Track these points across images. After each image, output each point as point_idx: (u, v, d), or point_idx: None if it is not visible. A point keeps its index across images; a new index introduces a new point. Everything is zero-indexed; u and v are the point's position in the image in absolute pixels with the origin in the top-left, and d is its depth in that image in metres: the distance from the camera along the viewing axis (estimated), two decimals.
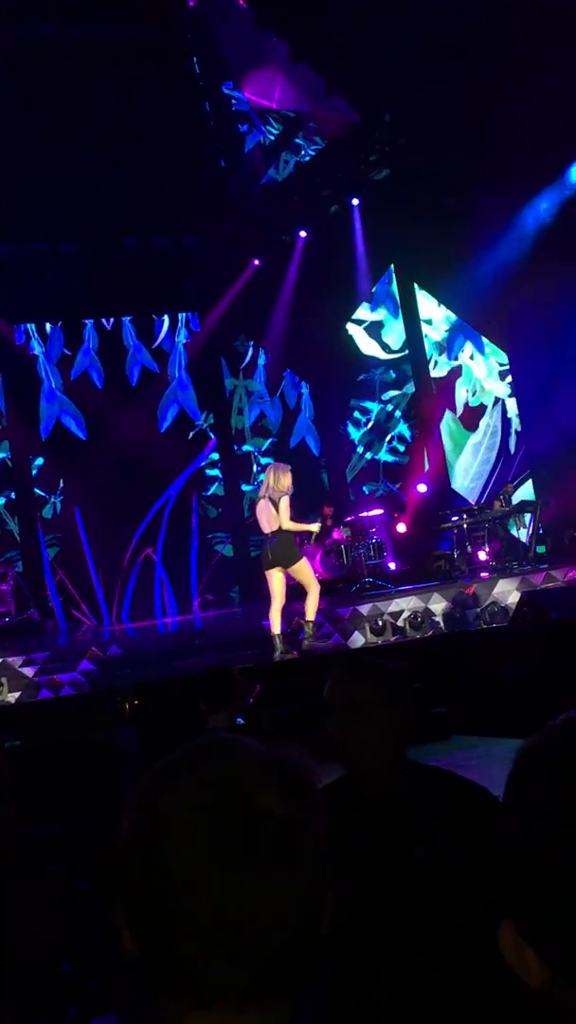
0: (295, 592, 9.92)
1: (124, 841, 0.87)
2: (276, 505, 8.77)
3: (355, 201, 13.99)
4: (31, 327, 15.10)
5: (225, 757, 0.87)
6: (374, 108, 12.96)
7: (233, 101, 14.83)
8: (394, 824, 2.05)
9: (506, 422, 14.71)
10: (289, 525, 8.79)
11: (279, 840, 0.82)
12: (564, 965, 0.71)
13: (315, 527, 9.55)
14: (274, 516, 8.79)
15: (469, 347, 15.06)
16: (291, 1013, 0.85)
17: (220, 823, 0.82)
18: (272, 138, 15.08)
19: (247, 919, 0.80)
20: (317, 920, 0.85)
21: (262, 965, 0.81)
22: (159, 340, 15.65)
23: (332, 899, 0.87)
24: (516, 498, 13.31)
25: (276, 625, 9.04)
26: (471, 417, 15.04)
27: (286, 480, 8.89)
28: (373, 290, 15.38)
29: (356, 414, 15.83)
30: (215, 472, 15.77)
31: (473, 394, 15.10)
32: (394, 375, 15.71)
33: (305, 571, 9.03)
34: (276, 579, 8.97)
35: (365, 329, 15.69)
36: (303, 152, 15.00)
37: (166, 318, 15.64)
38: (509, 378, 14.55)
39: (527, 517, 12.56)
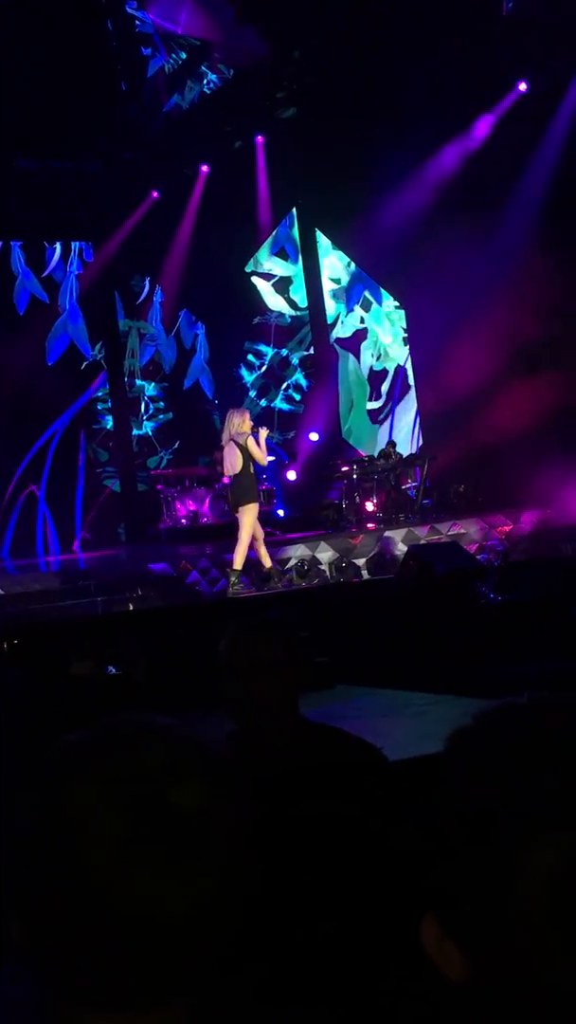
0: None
1: (26, 827, 0.81)
2: (242, 448, 9.15)
3: (259, 138, 13.66)
4: None
5: (139, 743, 0.83)
6: (284, 43, 12.62)
7: (137, 22, 14.17)
8: (284, 781, 2.06)
9: (406, 388, 14.85)
10: (261, 458, 9.30)
11: (196, 832, 0.79)
12: (484, 958, 0.71)
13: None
14: (238, 458, 9.18)
15: (369, 299, 15.08)
16: (193, 1006, 0.82)
17: (133, 814, 0.78)
18: (176, 64, 14.53)
19: (161, 917, 0.77)
20: (234, 915, 0.81)
21: (175, 965, 0.77)
22: (50, 268, 15.05)
23: (253, 889, 0.85)
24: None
25: (238, 561, 9.43)
26: (374, 381, 15.13)
27: (247, 423, 9.33)
28: (273, 235, 15.15)
29: (250, 357, 15.67)
30: (106, 408, 15.37)
31: (377, 358, 15.15)
32: (290, 320, 15.59)
33: (248, 517, 9.34)
34: (242, 518, 9.32)
35: (273, 284, 15.47)
36: (208, 82, 14.52)
37: (58, 246, 15.02)
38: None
39: (415, 470, 12.75)
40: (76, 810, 0.79)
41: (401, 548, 10.62)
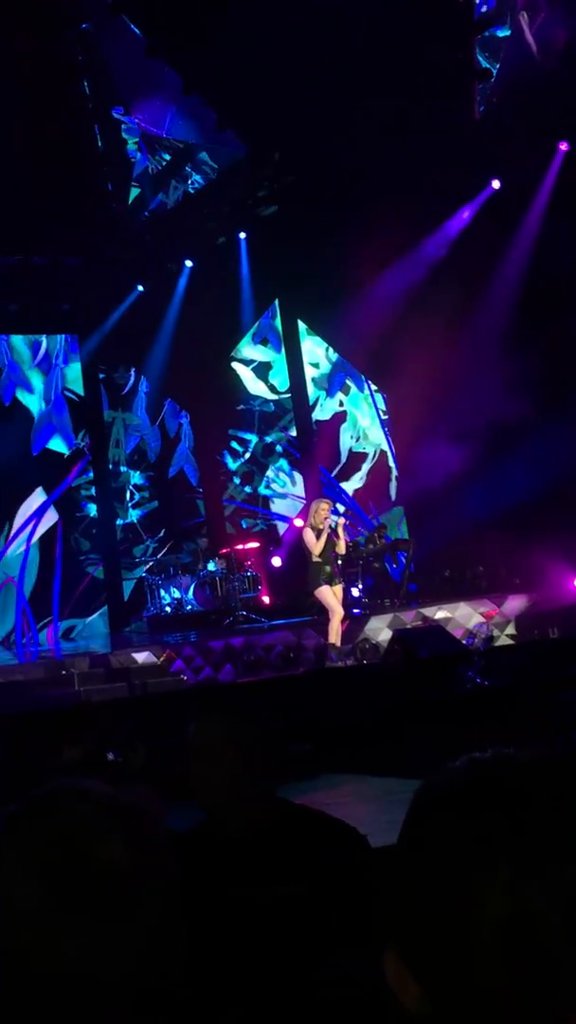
0: None
1: None
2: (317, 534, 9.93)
3: (242, 235, 14.06)
4: None
5: (65, 806, 0.83)
6: (264, 145, 13.08)
7: (123, 126, 14.72)
8: (257, 862, 2.03)
9: (386, 469, 15.00)
10: (315, 553, 9.93)
11: (123, 891, 0.79)
12: (441, 992, 0.74)
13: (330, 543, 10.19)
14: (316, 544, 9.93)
15: (349, 384, 15.32)
16: None
17: (60, 876, 0.78)
18: (161, 166, 15.04)
19: (92, 975, 0.77)
20: (167, 971, 0.81)
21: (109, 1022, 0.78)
22: (36, 361, 15.27)
23: (182, 948, 0.83)
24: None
25: (331, 636, 10.03)
26: (353, 462, 15.29)
27: (314, 515, 10.03)
28: (256, 325, 15.46)
29: (234, 444, 15.81)
30: (89, 496, 15.38)
31: (356, 440, 15.33)
32: (273, 407, 15.79)
33: (323, 598, 10.01)
34: (322, 600, 10.06)
35: (253, 369, 15.74)
36: (192, 182, 15.00)
37: (44, 339, 15.27)
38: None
39: (400, 555, 12.74)
40: (6, 873, 0.79)
41: (387, 634, 10.54)
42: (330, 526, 9.90)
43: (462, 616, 11.15)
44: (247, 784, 2.08)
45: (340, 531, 10.14)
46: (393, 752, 6.86)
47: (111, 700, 8.71)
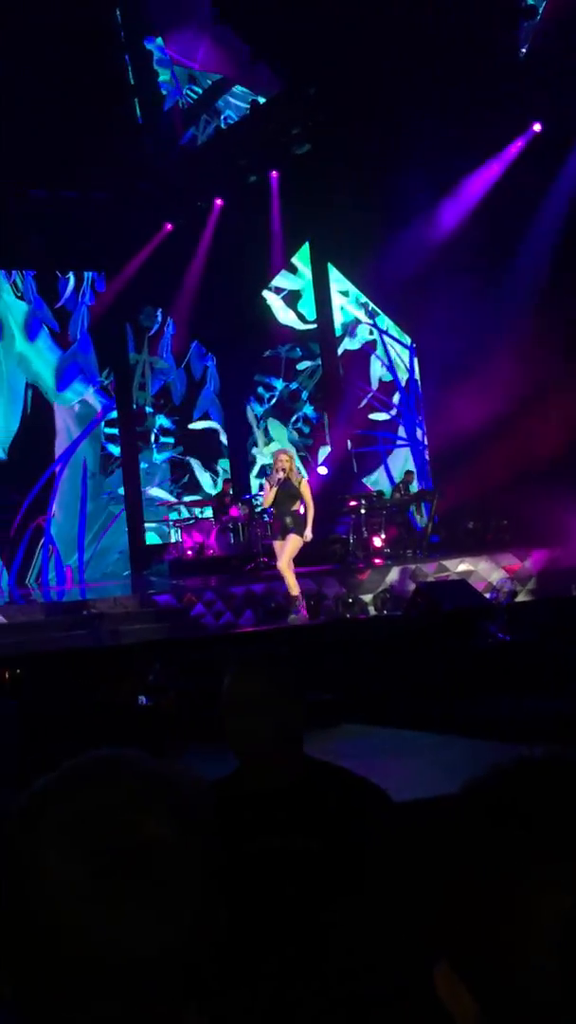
0: None
1: None
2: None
3: (274, 173, 13.76)
4: None
5: (106, 778, 0.81)
6: (299, 80, 12.74)
7: (155, 57, 14.36)
8: (285, 818, 2.04)
9: (416, 404, 14.82)
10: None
11: (165, 868, 0.77)
12: (497, 1005, 0.72)
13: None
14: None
15: (373, 332, 15.14)
16: None
17: (101, 852, 0.76)
18: (192, 99, 14.69)
19: (133, 954, 0.75)
20: (206, 949, 0.79)
21: (149, 1001, 0.76)
22: (63, 299, 15.13)
23: (223, 925, 0.81)
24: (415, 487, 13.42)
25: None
26: (383, 391, 15.11)
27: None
28: (296, 262, 15.25)
29: (260, 390, 15.69)
30: (113, 435, 15.37)
31: (387, 368, 15.16)
32: (300, 352, 15.62)
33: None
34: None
35: (283, 298, 15.53)
36: (223, 117, 14.67)
37: (71, 276, 15.12)
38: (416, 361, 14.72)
39: (425, 506, 12.68)
40: (45, 849, 0.77)
41: (408, 585, 10.53)
42: (279, 478, 9.46)
43: (484, 570, 11.12)
44: (285, 738, 2.08)
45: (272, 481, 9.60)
46: (413, 705, 6.87)
47: (139, 643, 8.76)
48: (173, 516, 14.17)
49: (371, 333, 15.22)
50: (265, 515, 11.06)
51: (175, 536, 13.72)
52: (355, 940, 1.88)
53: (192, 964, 0.78)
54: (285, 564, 9.65)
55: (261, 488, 9.80)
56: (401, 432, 15.10)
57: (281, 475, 9.46)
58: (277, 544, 9.83)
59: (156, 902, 0.76)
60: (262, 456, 15.45)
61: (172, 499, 15.03)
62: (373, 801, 2.12)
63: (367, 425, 15.05)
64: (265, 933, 1.90)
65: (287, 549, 9.60)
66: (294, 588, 9.74)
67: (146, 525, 15.02)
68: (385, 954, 1.88)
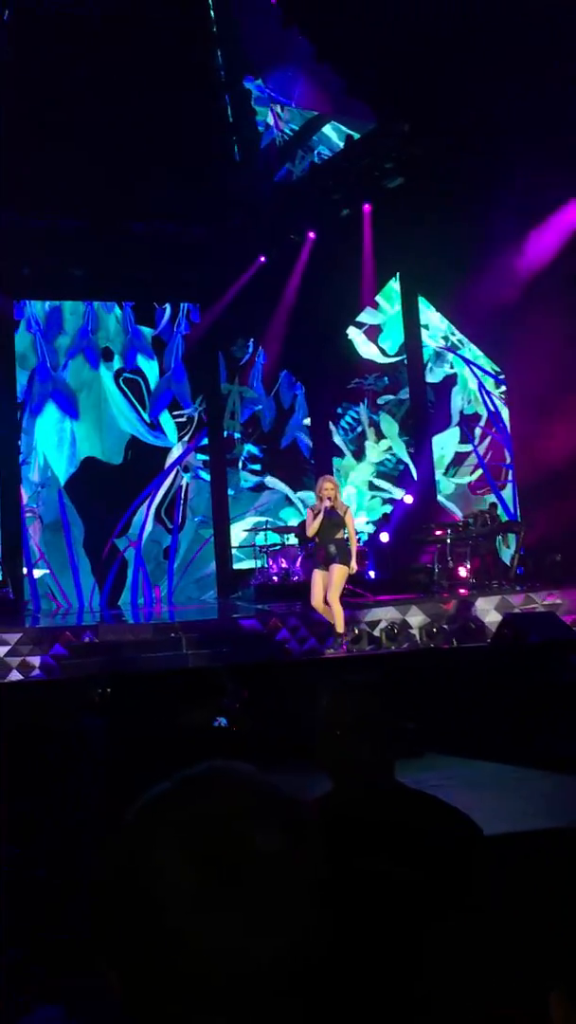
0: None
1: (109, 878, 0.82)
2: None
3: (366, 207, 13.94)
4: (31, 304, 14.99)
5: (218, 790, 0.83)
6: (393, 115, 12.91)
7: (253, 96, 14.75)
8: (379, 842, 2.05)
9: (501, 435, 14.73)
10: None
11: (273, 880, 0.78)
12: None
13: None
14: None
15: (455, 366, 15.15)
16: None
17: (211, 862, 0.78)
18: (288, 135, 15.02)
19: (241, 964, 0.76)
20: (311, 962, 0.80)
21: (256, 1012, 0.77)
22: (159, 328, 15.57)
23: (328, 939, 0.82)
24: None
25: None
26: (465, 424, 15.07)
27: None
28: (377, 298, 15.38)
29: (344, 421, 15.80)
30: (203, 462, 15.67)
31: (468, 403, 15.12)
32: (387, 381, 15.69)
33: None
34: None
35: (365, 332, 15.67)
36: (317, 152, 14.94)
37: (168, 307, 15.56)
38: (503, 388, 14.62)
39: (512, 537, 12.57)
40: (154, 858, 0.79)
41: (494, 616, 10.45)
42: (326, 507, 9.00)
43: (572, 603, 10.95)
44: (380, 763, 2.13)
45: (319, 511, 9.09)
46: (499, 738, 6.81)
47: (222, 666, 8.89)
48: (259, 542, 14.34)
49: (451, 367, 15.21)
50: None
51: (261, 562, 13.88)
52: (447, 967, 1.90)
53: (297, 980, 0.78)
54: (335, 597, 9.11)
55: (313, 516, 9.17)
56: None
57: (328, 503, 9.00)
58: (318, 575, 9.22)
59: (265, 908, 0.77)
60: (353, 474, 15.53)
61: (259, 525, 15.23)
62: (466, 832, 2.14)
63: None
64: (361, 957, 1.95)
65: (335, 581, 9.06)
66: (341, 624, 9.23)
67: (233, 550, 15.25)
68: (474, 981, 1.90)
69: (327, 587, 9.12)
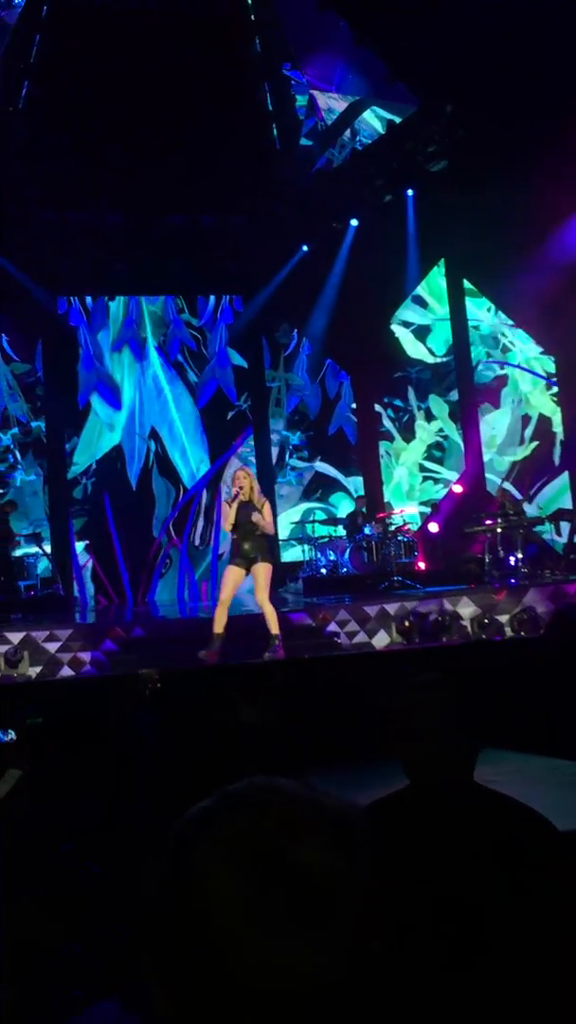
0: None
1: (156, 894, 0.82)
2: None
3: (410, 192, 13.74)
4: (74, 299, 15.06)
5: (264, 805, 0.82)
6: (436, 97, 12.70)
7: (292, 83, 14.62)
8: (451, 842, 2.03)
9: (550, 435, 14.45)
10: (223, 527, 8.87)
11: (321, 895, 0.78)
12: None
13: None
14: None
15: (515, 346, 14.83)
16: None
17: (258, 878, 0.77)
18: (329, 122, 14.87)
19: (289, 980, 0.76)
20: (362, 977, 0.79)
21: None
22: (202, 320, 15.55)
23: (378, 954, 0.81)
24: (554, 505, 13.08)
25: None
26: (515, 427, 14.83)
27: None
28: (426, 297, 15.19)
29: (390, 411, 15.65)
30: (250, 455, 15.64)
31: (519, 404, 14.85)
32: (430, 375, 15.49)
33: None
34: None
35: (412, 332, 15.48)
36: (358, 139, 14.77)
37: (212, 298, 15.53)
38: (555, 388, 14.28)
39: (564, 526, 12.34)
40: (201, 874, 0.79)
41: (547, 606, 10.25)
42: (241, 499, 8.41)
43: None
44: (471, 760, 2.09)
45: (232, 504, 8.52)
46: (554, 732, 6.68)
47: (270, 661, 8.83)
48: (308, 533, 14.29)
49: (502, 368, 14.95)
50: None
51: (310, 554, 13.80)
52: (522, 970, 1.85)
53: (345, 999, 0.77)
54: (264, 597, 8.51)
55: (228, 507, 8.58)
56: None
57: (239, 493, 8.42)
58: (230, 571, 8.62)
59: (313, 924, 0.76)
60: (405, 455, 15.36)
61: (307, 516, 15.17)
62: (541, 830, 2.09)
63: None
64: (431, 950, 1.89)
65: (261, 580, 8.47)
66: (275, 625, 8.60)
67: (280, 542, 15.20)
68: (548, 987, 1.83)
69: (256, 588, 8.60)
